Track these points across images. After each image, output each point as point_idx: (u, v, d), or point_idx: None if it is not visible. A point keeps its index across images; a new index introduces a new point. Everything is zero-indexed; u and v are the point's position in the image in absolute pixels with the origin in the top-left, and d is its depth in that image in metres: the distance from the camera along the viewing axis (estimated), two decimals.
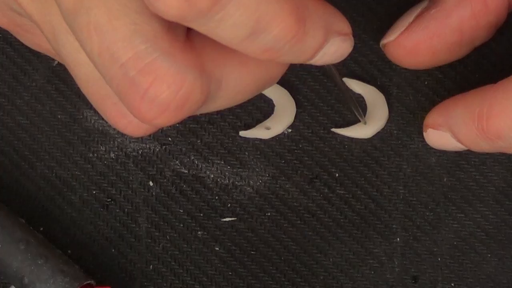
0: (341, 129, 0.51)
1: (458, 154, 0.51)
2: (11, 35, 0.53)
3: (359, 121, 0.51)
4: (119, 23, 0.33)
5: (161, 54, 0.33)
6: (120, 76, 0.34)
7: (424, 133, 0.47)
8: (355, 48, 0.53)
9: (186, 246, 0.51)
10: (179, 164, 0.52)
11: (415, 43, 0.45)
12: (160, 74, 0.33)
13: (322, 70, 0.53)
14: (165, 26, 0.34)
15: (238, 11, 0.32)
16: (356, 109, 0.50)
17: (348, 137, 0.52)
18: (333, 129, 0.51)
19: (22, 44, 0.52)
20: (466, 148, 0.46)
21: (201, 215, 0.51)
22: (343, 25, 0.38)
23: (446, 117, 0.45)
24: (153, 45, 0.33)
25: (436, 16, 0.44)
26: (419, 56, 0.45)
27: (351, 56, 0.52)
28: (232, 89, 0.37)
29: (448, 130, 0.45)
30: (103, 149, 0.52)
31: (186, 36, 0.36)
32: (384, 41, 0.46)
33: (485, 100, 0.42)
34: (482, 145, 0.44)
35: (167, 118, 0.35)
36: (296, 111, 0.52)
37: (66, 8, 0.34)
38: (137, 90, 0.34)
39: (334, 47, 0.37)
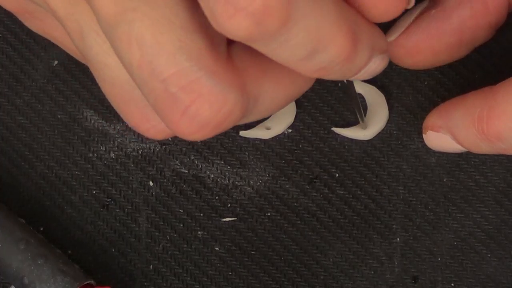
0: (341, 129, 0.51)
1: (458, 154, 0.51)
2: (11, 35, 0.53)
3: (359, 122, 0.51)
4: (164, 39, 0.33)
5: (205, 73, 0.33)
6: (161, 91, 0.34)
7: (424, 135, 0.47)
8: None
9: (186, 246, 0.51)
10: (179, 164, 0.52)
11: (415, 44, 0.45)
12: (203, 93, 0.34)
13: None
14: (209, 44, 0.34)
15: (302, 33, 0.33)
16: (359, 112, 0.50)
17: (348, 137, 0.52)
18: (334, 129, 0.51)
19: (22, 44, 0.52)
20: (466, 150, 0.46)
21: (201, 215, 0.51)
22: (384, 43, 0.38)
23: (446, 119, 0.45)
24: (197, 63, 0.33)
25: (436, 16, 0.44)
26: (419, 56, 0.45)
27: None
28: (267, 106, 0.37)
29: (448, 132, 0.45)
30: (103, 149, 0.52)
31: (228, 55, 0.36)
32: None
33: (485, 102, 0.42)
34: (482, 147, 0.43)
35: (204, 134, 0.35)
36: (296, 111, 0.52)
37: (106, 17, 0.33)
38: (178, 106, 0.34)
39: (375, 65, 0.38)
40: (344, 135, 0.51)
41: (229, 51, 0.36)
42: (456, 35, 0.44)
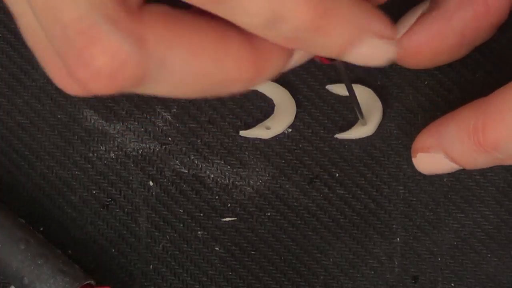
0: (344, 133, 0.51)
1: None
2: (11, 35, 0.53)
3: (358, 119, 0.51)
4: None
5: (103, 20, 0.33)
6: (61, 36, 0.34)
7: (414, 159, 0.47)
8: None
9: (186, 246, 0.51)
10: (179, 164, 0.52)
11: (416, 45, 0.45)
12: (97, 38, 0.33)
13: (323, 70, 0.53)
14: None
15: (252, 2, 0.32)
16: (358, 109, 0.50)
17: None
18: (337, 135, 0.51)
19: (22, 44, 0.52)
20: (459, 168, 0.46)
21: (201, 215, 0.51)
22: (382, 27, 0.36)
23: (437, 138, 0.45)
24: (96, 9, 0.33)
25: (438, 18, 0.44)
26: (420, 57, 0.45)
27: None
28: (178, 75, 0.36)
29: (441, 150, 0.44)
30: (103, 149, 0.52)
31: (138, 9, 0.35)
32: None
33: (478, 112, 0.42)
34: (478, 160, 0.43)
35: (100, 84, 0.34)
36: (296, 111, 0.52)
37: None
38: (74, 51, 0.33)
39: (368, 48, 0.36)
40: (349, 138, 0.51)
41: (143, 7, 0.35)
42: (457, 36, 0.44)
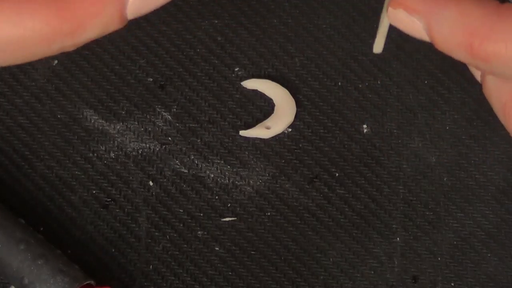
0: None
1: (458, 153, 0.51)
2: None
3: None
4: None
5: None
6: None
7: (390, 9, 0.40)
8: (355, 47, 0.53)
9: (186, 246, 0.51)
10: (179, 164, 0.52)
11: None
12: None
13: (323, 69, 0.53)
14: None
15: None
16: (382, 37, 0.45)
17: (348, 137, 0.52)
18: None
19: None
20: (428, 40, 0.40)
21: (201, 215, 0.51)
22: None
23: (430, 9, 0.39)
24: None
25: None
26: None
27: (351, 55, 0.53)
28: None
29: (425, 22, 0.39)
30: (103, 149, 0.52)
31: None
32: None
33: (487, 19, 0.37)
34: (458, 54, 0.38)
35: None
36: (296, 110, 0.52)
37: None
38: None
39: None
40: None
41: None
42: None
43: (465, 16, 0.37)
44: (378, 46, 0.42)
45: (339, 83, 0.52)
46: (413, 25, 0.39)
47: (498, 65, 0.36)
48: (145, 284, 0.51)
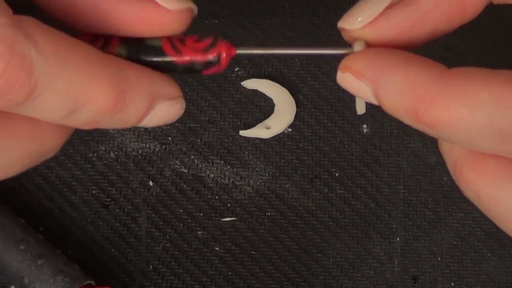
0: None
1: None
2: None
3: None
4: None
5: None
6: None
7: (339, 72, 0.39)
8: None
9: (186, 246, 0.51)
10: (179, 164, 0.52)
11: (381, 39, 0.41)
12: None
13: (323, 69, 0.53)
14: None
15: (53, 97, 0.32)
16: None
17: (348, 137, 0.52)
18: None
19: None
20: (377, 104, 0.39)
21: (201, 215, 0.51)
22: (171, 89, 0.37)
23: (376, 75, 0.38)
24: None
25: (411, 15, 0.41)
26: (378, 46, 0.42)
27: None
28: (3, 161, 0.35)
29: (373, 88, 0.39)
30: (103, 149, 0.52)
31: None
32: (346, 26, 0.40)
33: (434, 85, 0.36)
34: (404, 119, 0.38)
35: None
36: (296, 110, 0.52)
37: None
38: None
39: (162, 112, 0.37)
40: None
41: None
42: (427, 34, 0.42)
43: (411, 82, 0.37)
44: (360, 107, 0.42)
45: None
46: (362, 89, 0.39)
47: (443, 131, 0.36)
48: (145, 284, 0.51)
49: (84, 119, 0.34)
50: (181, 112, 0.38)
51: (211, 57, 0.36)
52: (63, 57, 0.32)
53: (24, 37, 0.31)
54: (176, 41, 0.36)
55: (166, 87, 0.37)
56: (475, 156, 0.37)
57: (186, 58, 0.36)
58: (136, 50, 0.36)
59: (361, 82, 0.39)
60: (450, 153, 0.38)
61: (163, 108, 0.37)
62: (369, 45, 0.39)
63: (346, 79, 0.39)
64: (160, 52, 0.36)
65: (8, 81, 0.31)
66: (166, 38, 0.35)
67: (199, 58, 0.36)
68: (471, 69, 0.36)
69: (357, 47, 0.38)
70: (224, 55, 0.37)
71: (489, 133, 0.34)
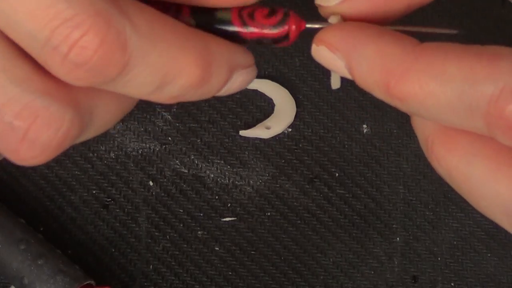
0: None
1: None
2: None
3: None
4: None
5: (38, 95, 0.33)
6: None
7: (314, 45, 0.39)
8: None
9: (186, 246, 0.51)
10: (179, 164, 0.52)
11: (355, 12, 0.41)
12: (40, 115, 0.33)
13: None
14: (36, 66, 0.33)
15: (145, 72, 0.33)
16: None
17: (348, 137, 0.52)
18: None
19: None
20: (350, 78, 0.39)
21: (201, 215, 0.51)
22: (246, 59, 0.38)
23: (349, 48, 0.39)
24: (27, 87, 0.33)
25: None
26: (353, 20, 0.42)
27: None
28: (101, 120, 0.36)
29: (346, 61, 0.39)
30: (103, 149, 0.52)
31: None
32: (322, 3, 0.40)
33: (404, 60, 0.36)
34: (376, 93, 0.38)
35: (47, 155, 0.34)
36: (296, 110, 0.52)
37: None
38: (16, 134, 0.33)
39: (239, 80, 0.38)
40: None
41: None
42: (404, 6, 0.41)
43: (383, 55, 0.37)
44: (335, 82, 0.42)
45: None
46: (335, 63, 0.39)
47: (414, 105, 0.36)
48: (145, 284, 0.51)
49: (171, 93, 0.35)
50: (254, 78, 0.38)
51: (280, 33, 0.36)
52: (155, 33, 0.32)
53: (119, 12, 0.31)
54: (245, 15, 0.36)
55: (242, 56, 0.38)
56: (446, 133, 0.37)
57: (255, 32, 0.36)
58: (206, 21, 0.35)
59: (335, 55, 0.39)
60: (422, 130, 0.38)
61: (240, 76, 0.38)
62: (344, 19, 0.39)
63: (320, 52, 0.39)
64: (229, 25, 0.36)
65: (104, 57, 0.31)
66: (236, 11, 0.35)
67: (268, 34, 0.36)
68: (443, 44, 0.36)
69: (332, 20, 0.39)
70: (293, 29, 0.37)
71: (459, 107, 0.34)
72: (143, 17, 0.32)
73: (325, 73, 0.53)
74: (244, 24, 0.36)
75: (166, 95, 0.35)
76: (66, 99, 0.34)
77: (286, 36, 0.37)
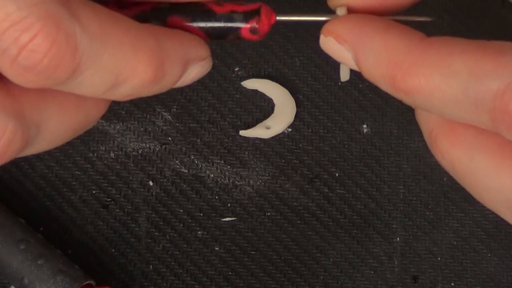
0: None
1: None
2: None
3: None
4: None
5: None
6: None
7: (322, 36, 0.40)
8: None
9: (186, 246, 0.51)
10: (179, 164, 0.52)
11: (362, 4, 0.39)
12: None
13: (323, 69, 0.53)
14: None
15: (96, 73, 0.33)
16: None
17: (348, 137, 0.52)
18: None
19: None
20: (357, 69, 0.40)
21: (201, 215, 0.51)
22: (201, 51, 0.38)
23: (357, 40, 0.39)
24: None
25: None
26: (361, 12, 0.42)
27: None
28: (51, 133, 0.36)
29: (353, 53, 0.39)
30: (103, 149, 0.52)
31: (1, 81, 0.34)
32: None
33: (411, 54, 0.37)
34: (382, 86, 0.38)
35: None
36: (296, 110, 0.52)
37: None
38: None
39: (194, 73, 0.38)
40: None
41: (3, 77, 0.34)
42: None
43: (390, 48, 0.37)
44: (344, 74, 0.42)
45: (339, 83, 0.52)
46: (343, 54, 0.39)
47: (419, 98, 0.36)
48: (145, 284, 0.51)
49: (125, 92, 0.35)
50: (209, 69, 0.39)
51: (252, 8, 0.37)
52: (106, 35, 0.32)
53: (69, 14, 0.31)
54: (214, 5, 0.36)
55: (197, 49, 0.38)
56: (450, 126, 0.37)
57: (226, 5, 0.36)
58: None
59: (343, 47, 0.39)
60: (426, 123, 0.38)
61: (195, 69, 0.38)
62: (351, 11, 0.40)
63: (328, 43, 0.40)
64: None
65: (53, 60, 0.31)
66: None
67: (239, 8, 0.37)
68: (449, 38, 0.36)
69: (340, 12, 0.39)
70: (265, 9, 0.37)
71: (464, 102, 0.34)
72: (94, 19, 0.32)
73: (325, 73, 0.53)
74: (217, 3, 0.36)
75: (120, 94, 0.35)
76: (9, 109, 0.33)
77: (257, 12, 0.37)
